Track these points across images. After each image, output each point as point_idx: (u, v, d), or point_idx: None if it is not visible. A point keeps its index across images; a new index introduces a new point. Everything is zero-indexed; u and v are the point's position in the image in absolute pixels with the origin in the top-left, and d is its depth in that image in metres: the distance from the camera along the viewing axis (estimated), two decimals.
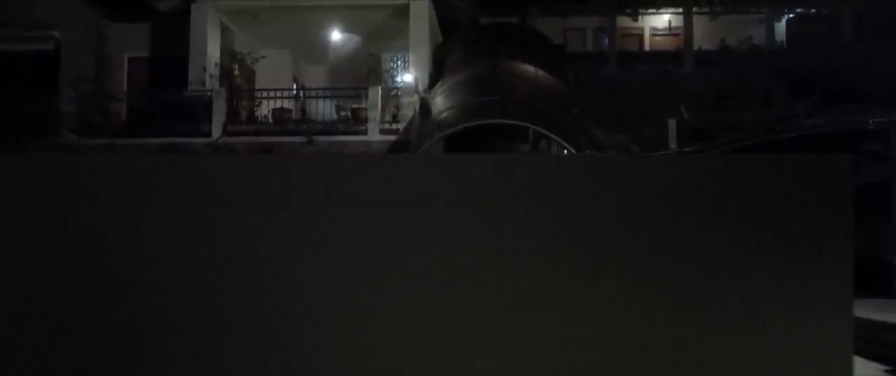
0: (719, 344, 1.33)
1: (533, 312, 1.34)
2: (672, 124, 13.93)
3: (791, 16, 21.45)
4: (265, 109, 16.46)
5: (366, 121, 15.16)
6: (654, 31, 22.56)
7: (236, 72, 16.74)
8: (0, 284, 1.37)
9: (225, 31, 17.17)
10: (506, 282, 1.34)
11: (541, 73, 14.69)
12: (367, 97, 15.37)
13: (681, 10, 20.34)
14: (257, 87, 17.39)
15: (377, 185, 1.36)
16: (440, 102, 14.35)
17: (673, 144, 13.31)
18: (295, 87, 18.46)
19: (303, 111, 16.83)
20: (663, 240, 1.33)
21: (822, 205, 1.33)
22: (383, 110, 15.43)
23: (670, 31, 21.85)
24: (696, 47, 19.26)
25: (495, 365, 1.34)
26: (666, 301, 1.33)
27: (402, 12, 16.47)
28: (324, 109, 17.17)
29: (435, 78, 16.02)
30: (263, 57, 17.29)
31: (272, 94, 16.46)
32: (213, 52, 16.54)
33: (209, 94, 15.54)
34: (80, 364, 1.36)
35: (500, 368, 1.34)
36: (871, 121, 7.12)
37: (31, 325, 1.37)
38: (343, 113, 16.56)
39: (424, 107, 14.50)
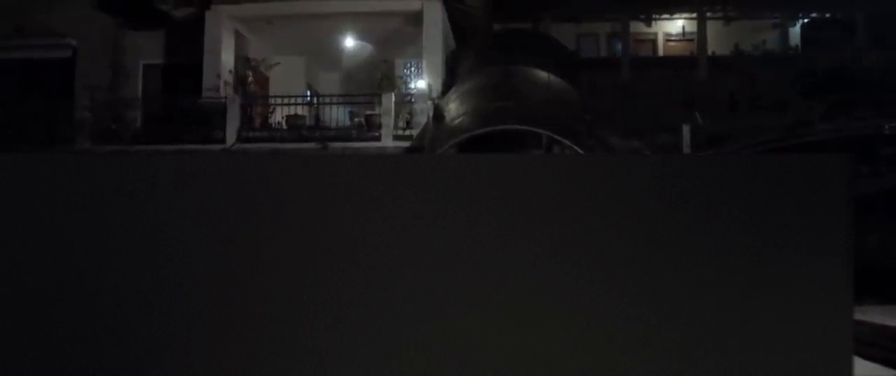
0: (718, 344, 1.32)
1: (537, 311, 1.34)
2: (686, 130, 13.89)
3: (805, 21, 21.36)
4: (279, 116, 16.53)
5: (379, 127, 15.19)
6: (668, 37, 22.53)
7: (250, 78, 16.80)
8: (7, 286, 1.38)
9: (239, 38, 17.26)
10: (519, 282, 1.34)
11: (554, 78, 14.68)
12: (380, 103, 15.41)
13: (694, 15, 20.27)
14: (271, 93, 17.46)
15: (390, 185, 1.37)
16: (453, 108, 14.37)
17: (687, 150, 13.27)
18: (309, 93, 18.54)
19: (316, 117, 16.88)
20: (660, 240, 1.33)
21: (821, 205, 1.32)
22: (397, 116, 15.45)
23: (684, 37, 21.80)
24: (709, 52, 19.17)
25: (505, 364, 1.34)
26: (663, 301, 1.33)
27: (416, 19, 16.50)
28: (337, 116, 17.24)
29: (448, 84, 16.04)
30: (277, 63, 17.36)
31: (286, 100, 16.53)
32: (228, 58, 16.62)
33: (223, 100, 15.61)
34: (86, 364, 1.37)
35: (509, 366, 1.34)
36: (886, 126, 7.08)
37: (39, 327, 1.38)
38: (357, 119, 16.61)
39: (438, 114, 14.53)
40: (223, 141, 15.05)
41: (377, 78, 16.46)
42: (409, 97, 16.30)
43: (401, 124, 15.49)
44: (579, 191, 1.35)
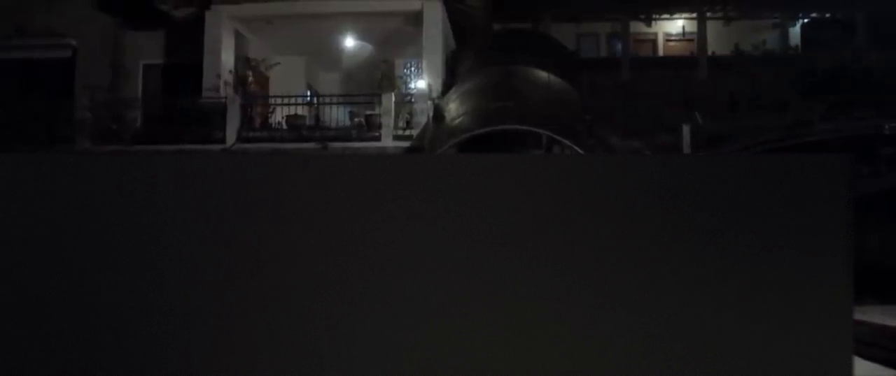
0: (717, 343, 1.32)
1: (537, 310, 1.34)
2: (686, 130, 13.89)
3: (805, 21, 21.36)
4: (279, 116, 16.53)
5: (379, 127, 15.19)
6: (668, 37, 22.53)
7: (250, 78, 16.81)
8: (7, 286, 1.38)
9: (239, 38, 17.27)
10: (518, 282, 1.34)
11: (554, 79, 14.68)
12: (380, 103, 15.41)
13: (694, 15, 20.26)
14: (271, 93, 17.46)
15: (390, 185, 1.37)
16: (453, 108, 14.38)
17: (687, 150, 13.26)
18: (309, 93, 18.54)
19: (316, 117, 16.89)
20: (660, 239, 1.33)
21: (821, 205, 1.32)
22: (397, 116, 15.46)
23: (684, 37, 21.80)
24: (709, 52, 19.16)
25: (505, 364, 1.34)
26: (663, 300, 1.33)
27: (416, 19, 16.50)
28: (337, 116, 17.25)
29: (448, 84, 16.04)
30: (277, 64, 17.37)
31: (286, 100, 16.53)
32: (228, 58, 16.63)
33: (223, 100, 15.61)
34: (86, 364, 1.37)
35: (509, 366, 1.34)
36: (886, 126, 7.08)
37: (39, 327, 1.37)
38: (357, 119, 16.62)
39: (438, 114, 14.54)
40: (223, 141, 15.06)
41: (377, 78, 16.46)
42: (409, 97, 16.30)
43: (401, 124, 15.49)
44: (579, 191, 1.35)
